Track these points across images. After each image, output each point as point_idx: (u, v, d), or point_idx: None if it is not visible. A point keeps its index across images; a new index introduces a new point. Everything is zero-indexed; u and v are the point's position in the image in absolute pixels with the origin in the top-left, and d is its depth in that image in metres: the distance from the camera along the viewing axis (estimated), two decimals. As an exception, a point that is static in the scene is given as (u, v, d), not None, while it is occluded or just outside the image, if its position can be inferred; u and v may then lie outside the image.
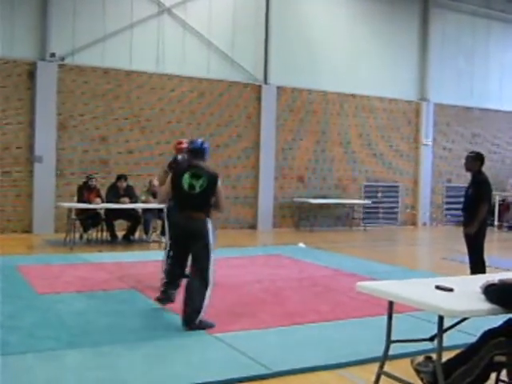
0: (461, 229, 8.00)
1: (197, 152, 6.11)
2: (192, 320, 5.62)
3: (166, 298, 6.28)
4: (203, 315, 5.68)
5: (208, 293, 5.80)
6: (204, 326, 5.65)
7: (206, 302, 5.72)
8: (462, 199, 8.10)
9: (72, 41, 13.33)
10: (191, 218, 5.91)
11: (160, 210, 12.01)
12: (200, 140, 6.31)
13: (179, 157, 7.60)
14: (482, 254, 7.61)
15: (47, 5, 12.97)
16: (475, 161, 7.57)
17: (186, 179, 5.93)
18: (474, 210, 7.40)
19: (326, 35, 16.29)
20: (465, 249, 7.85)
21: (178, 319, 5.98)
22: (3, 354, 4.67)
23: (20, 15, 12.85)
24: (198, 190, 5.90)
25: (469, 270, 7.57)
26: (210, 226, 5.97)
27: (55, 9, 13.05)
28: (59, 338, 5.19)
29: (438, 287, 3.82)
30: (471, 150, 18.73)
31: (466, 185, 7.94)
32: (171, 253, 6.35)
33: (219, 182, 6.04)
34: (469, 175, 7.86)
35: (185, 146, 7.41)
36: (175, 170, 6.32)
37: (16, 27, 12.82)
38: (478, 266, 7.42)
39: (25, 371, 4.39)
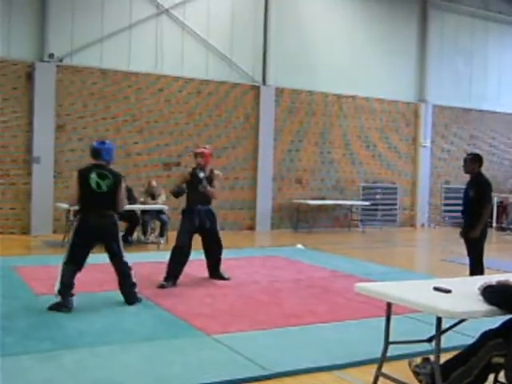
0: (458, 230, 7.90)
1: (96, 152, 6.43)
2: (134, 295, 6.52)
3: (65, 304, 6.13)
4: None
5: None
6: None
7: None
8: (460, 201, 8.00)
9: (70, 42, 13.32)
10: (102, 216, 6.33)
11: (159, 212, 12.09)
12: (102, 141, 6.69)
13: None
14: (482, 256, 7.53)
15: (45, 6, 12.95)
16: (474, 162, 7.44)
17: (92, 179, 6.28)
18: (476, 212, 7.25)
19: (324, 36, 16.29)
20: (463, 251, 7.82)
21: (175, 320, 5.98)
22: (-1, 355, 4.66)
23: (18, 16, 12.83)
24: (105, 189, 6.29)
25: (467, 272, 7.55)
26: (117, 220, 6.48)
27: (54, 10, 13.04)
28: (55, 339, 5.17)
29: (436, 288, 3.82)
30: (469, 151, 18.85)
31: (464, 186, 7.84)
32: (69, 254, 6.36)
33: (123, 183, 6.51)
34: (466, 177, 7.79)
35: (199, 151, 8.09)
36: (80, 170, 6.49)
37: (14, 28, 12.80)
38: (477, 268, 7.32)
39: (21, 372, 4.37)
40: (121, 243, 6.53)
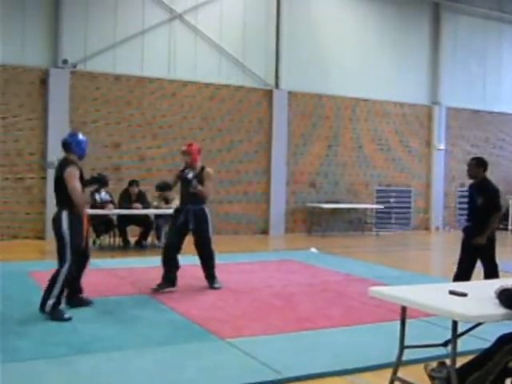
0: (462, 237, 7.70)
1: (65, 145, 6.32)
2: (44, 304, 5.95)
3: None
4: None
5: (60, 283, 5.94)
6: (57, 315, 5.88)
7: (61, 289, 5.97)
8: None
9: (84, 47, 13.41)
10: (56, 212, 6.14)
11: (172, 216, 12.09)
12: (73, 133, 6.66)
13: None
14: (495, 260, 7.26)
15: (59, 12, 13.06)
16: (478, 167, 7.14)
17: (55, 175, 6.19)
18: (485, 220, 6.98)
19: (337, 40, 16.28)
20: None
21: (189, 324, 5.98)
22: (15, 360, 4.69)
23: (32, 22, 12.94)
24: (54, 183, 6.15)
25: (482, 276, 7.48)
26: (65, 217, 6.00)
27: (67, 15, 13.14)
28: (71, 344, 5.19)
29: (451, 292, 3.79)
30: (484, 153, 18.72)
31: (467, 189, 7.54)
32: None
33: (67, 172, 5.97)
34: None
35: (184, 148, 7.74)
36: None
37: (28, 34, 12.91)
38: (493, 272, 7.06)
39: (36, 377, 4.39)
40: (65, 243, 5.97)
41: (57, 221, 6.04)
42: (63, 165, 6.09)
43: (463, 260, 7.31)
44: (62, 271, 5.96)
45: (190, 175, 7.40)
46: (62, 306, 6.04)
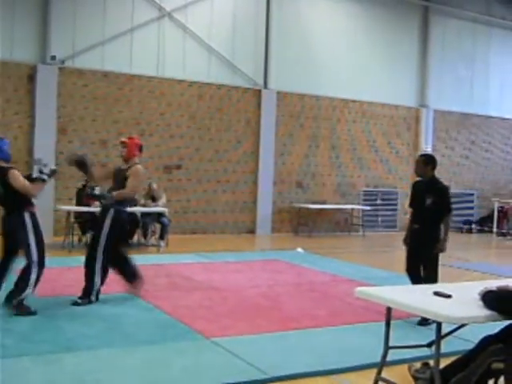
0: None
1: None
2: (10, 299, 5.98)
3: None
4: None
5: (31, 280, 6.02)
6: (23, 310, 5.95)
7: (27, 291, 6.00)
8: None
9: (72, 44, 13.34)
10: (8, 214, 6.15)
11: (159, 214, 12.10)
12: None
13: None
14: (437, 266, 6.82)
15: (48, 8, 12.98)
16: (426, 165, 6.71)
17: None
18: (435, 222, 6.51)
19: (326, 40, 16.31)
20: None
21: (175, 323, 5.97)
22: (0, 356, 4.66)
23: (20, 18, 12.86)
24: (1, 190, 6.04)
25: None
26: (23, 219, 6.11)
27: (56, 12, 13.06)
28: (56, 342, 5.17)
29: (436, 293, 3.82)
30: (471, 156, 18.89)
31: (411, 189, 7.24)
32: None
33: (10, 174, 6.07)
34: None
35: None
36: None
37: (16, 30, 12.82)
38: (433, 277, 6.49)
39: (21, 374, 4.38)
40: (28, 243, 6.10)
41: (16, 223, 6.11)
42: (1, 172, 6.08)
43: (413, 266, 6.77)
44: (33, 270, 6.08)
45: (97, 192, 6.96)
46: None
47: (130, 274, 7.07)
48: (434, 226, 6.54)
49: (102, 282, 6.76)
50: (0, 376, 4.23)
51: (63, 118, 13.23)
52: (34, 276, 6.05)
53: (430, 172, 6.74)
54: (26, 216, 6.11)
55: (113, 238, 6.71)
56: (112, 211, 6.72)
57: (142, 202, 12.10)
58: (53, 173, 6.47)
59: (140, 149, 7.10)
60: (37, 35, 13.02)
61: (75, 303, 6.51)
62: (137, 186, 6.98)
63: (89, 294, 6.63)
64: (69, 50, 13.29)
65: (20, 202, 6.11)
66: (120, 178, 6.86)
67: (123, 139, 7.15)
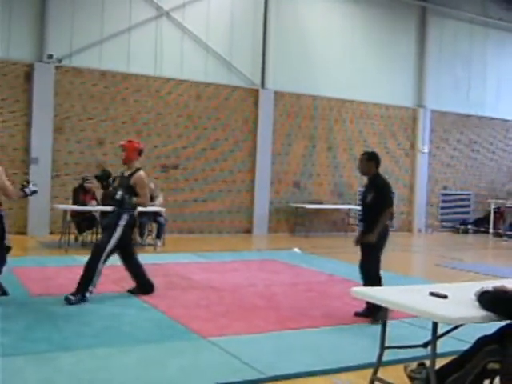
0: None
1: None
2: None
3: None
4: None
5: None
6: None
7: None
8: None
9: (70, 43, 13.33)
10: None
11: (156, 214, 12.09)
12: None
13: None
14: (378, 267, 6.60)
15: (45, 6, 12.96)
16: (369, 162, 6.60)
17: None
18: (375, 217, 6.36)
19: (324, 41, 16.33)
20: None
21: (172, 323, 5.98)
22: (-4, 355, 4.66)
23: (18, 16, 12.84)
24: None
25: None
26: None
27: (53, 11, 13.05)
28: (52, 341, 5.17)
29: (432, 294, 3.83)
30: (468, 157, 18.92)
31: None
32: None
33: None
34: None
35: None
36: None
37: (14, 28, 12.80)
38: (373, 281, 6.29)
39: (17, 373, 4.37)
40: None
41: None
42: None
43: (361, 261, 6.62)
44: None
45: (118, 196, 6.90)
46: None
47: (144, 278, 7.22)
48: (375, 221, 6.38)
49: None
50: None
51: (60, 117, 13.22)
52: None
53: (373, 169, 6.60)
54: None
55: (123, 241, 6.87)
56: (126, 216, 6.85)
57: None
58: (33, 193, 6.83)
59: (140, 153, 7.07)
60: (34, 34, 13.00)
61: (67, 299, 6.50)
62: (146, 193, 7.09)
63: (83, 292, 6.63)
64: (66, 48, 13.28)
65: None
66: (125, 185, 6.92)
67: (122, 142, 7.10)
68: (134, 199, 6.92)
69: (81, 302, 6.55)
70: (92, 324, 5.80)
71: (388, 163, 17.60)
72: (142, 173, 6.93)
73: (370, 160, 6.62)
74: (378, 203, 6.41)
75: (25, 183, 6.67)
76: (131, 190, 6.88)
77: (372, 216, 6.42)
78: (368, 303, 6.05)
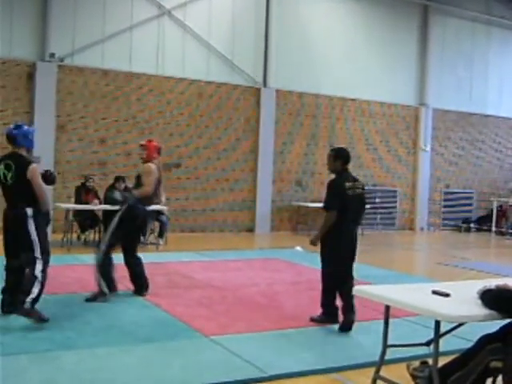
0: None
1: (10, 138, 5.80)
2: (20, 302, 5.48)
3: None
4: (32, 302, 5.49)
5: (37, 283, 5.52)
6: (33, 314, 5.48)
7: (36, 290, 5.51)
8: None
9: (72, 42, 13.33)
10: (10, 211, 5.71)
11: (158, 212, 12.07)
12: (17, 124, 5.96)
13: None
14: (332, 282, 6.00)
15: (47, 5, 12.97)
16: (335, 160, 6.26)
17: (1, 170, 5.73)
18: (336, 223, 5.87)
19: (325, 39, 16.31)
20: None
21: (174, 322, 5.97)
22: (-4, 354, 4.66)
23: (20, 16, 12.85)
24: (9, 182, 5.66)
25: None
26: (29, 216, 5.61)
27: (55, 9, 13.05)
28: (54, 340, 5.16)
29: (434, 292, 3.82)
30: (470, 155, 18.89)
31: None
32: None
33: (30, 171, 5.62)
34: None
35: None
36: None
37: (16, 27, 12.81)
38: (325, 295, 6.05)
39: (19, 372, 4.37)
40: (32, 241, 5.63)
41: (19, 220, 5.63)
42: (20, 161, 5.70)
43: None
44: (36, 273, 5.57)
45: (118, 195, 7.16)
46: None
47: (141, 279, 7.16)
48: (334, 227, 5.85)
49: (106, 275, 6.74)
50: (-2, 374, 4.24)
51: (62, 116, 13.22)
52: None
53: (340, 167, 6.23)
54: (30, 212, 5.66)
55: (120, 234, 6.78)
56: (124, 208, 6.86)
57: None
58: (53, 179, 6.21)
59: (159, 151, 7.26)
60: (36, 33, 13.01)
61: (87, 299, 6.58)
62: (150, 183, 6.95)
63: (99, 287, 6.66)
64: (68, 47, 13.28)
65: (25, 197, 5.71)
66: (136, 178, 7.11)
67: (143, 142, 7.27)
68: (135, 192, 6.92)
69: (102, 297, 6.59)
70: (94, 323, 5.79)
71: (390, 162, 17.61)
72: (150, 164, 7.03)
73: (336, 157, 6.28)
74: (325, 204, 6.07)
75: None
76: (138, 181, 6.99)
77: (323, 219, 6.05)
78: (324, 308, 6.09)
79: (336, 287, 5.99)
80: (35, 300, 5.50)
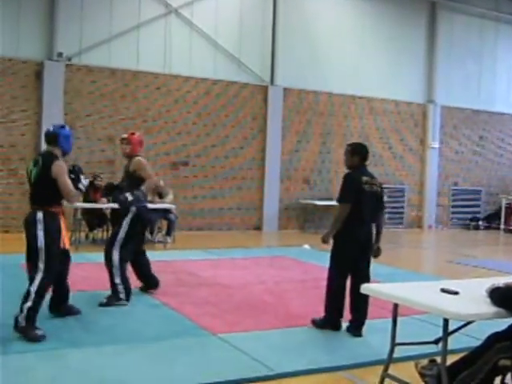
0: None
1: (50, 137, 5.46)
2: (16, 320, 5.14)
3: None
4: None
5: (29, 300, 5.13)
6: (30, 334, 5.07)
7: (26, 307, 5.10)
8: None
9: (79, 41, 13.36)
10: (30, 212, 5.47)
11: (166, 211, 12.10)
12: (59, 124, 5.82)
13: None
14: (338, 283, 5.80)
15: (54, 5, 12.99)
16: (353, 155, 5.94)
17: (28, 168, 5.51)
18: (348, 219, 5.67)
19: (333, 37, 16.26)
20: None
21: (181, 320, 5.98)
22: (4, 352, 4.67)
23: (27, 15, 12.88)
24: (33, 179, 5.40)
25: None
26: (40, 217, 5.31)
27: (62, 9, 13.07)
28: (61, 338, 5.18)
29: (443, 290, 3.81)
30: (479, 153, 18.80)
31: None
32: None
33: (56, 165, 5.28)
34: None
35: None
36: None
37: (23, 27, 12.85)
38: (330, 297, 5.82)
39: (26, 370, 4.38)
40: (41, 244, 5.33)
41: (31, 220, 5.40)
42: (49, 159, 5.35)
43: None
44: (35, 282, 5.24)
45: (130, 197, 6.73)
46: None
47: (149, 276, 7.16)
48: (349, 224, 5.66)
49: (125, 279, 6.64)
50: (5, 372, 4.25)
51: (70, 115, 13.25)
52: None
53: (357, 163, 5.92)
54: (40, 215, 5.37)
55: (132, 235, 6.72)
56: (134, 209, 6.69)
57: (149, 198, 12.09)
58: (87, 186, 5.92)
59: (141, 144, 7.08)
60: (43, 32, 13.04)
61: (101, 304, 6.43)
62: (152, 173, 6.87)
63: (115, 293, 6.54)
64: (76, 46, 13.31)
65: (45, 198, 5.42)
66: (128, 175, 6.90)
67: (125, 136, 7.02)
68: (138, 193, 6.71)
69: (118, 302, 6.45)
70: (100, 321, 5.81)
71: (398, 159, 17.55)
72: (139, 157, 6.86)
73: (354, 153, 5.94)
74: (338, 197, 5.82)
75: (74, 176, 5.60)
76: (133, 178, 6.79)
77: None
78: (326, 312, 5.78)
79: (343, 289, 5.77)
80: (29, 317, 5.09)
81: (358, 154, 5.95)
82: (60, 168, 5.30)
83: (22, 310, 5.10)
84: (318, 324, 5.83)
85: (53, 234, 5.36)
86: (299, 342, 5.37)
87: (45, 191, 5.35)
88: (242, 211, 15.26)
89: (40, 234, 5.30)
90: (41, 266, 5.26)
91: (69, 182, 5.36)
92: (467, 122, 18.63)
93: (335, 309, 5.76)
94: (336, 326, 5.74)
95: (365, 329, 5.72)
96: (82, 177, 5.64)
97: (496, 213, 18.45)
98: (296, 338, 5.50)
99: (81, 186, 5.60)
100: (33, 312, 5.12)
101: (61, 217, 5.51)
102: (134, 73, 13.88)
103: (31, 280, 5.27)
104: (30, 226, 5.41)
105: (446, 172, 18.32)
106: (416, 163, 17.89)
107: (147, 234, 12.11)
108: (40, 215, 5.32)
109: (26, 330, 5.06)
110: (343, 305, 5.76)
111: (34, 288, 5.18)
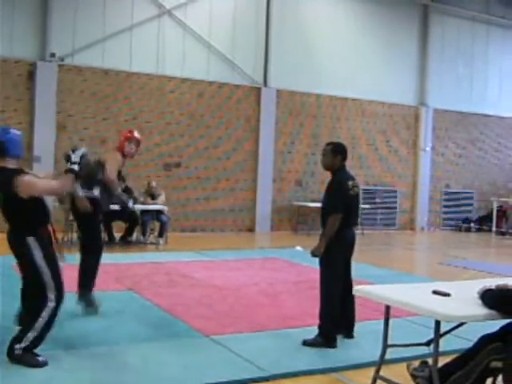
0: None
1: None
2: (11, 348, 4.50)
3: None
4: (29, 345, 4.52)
5: (42, 319, 4.51)
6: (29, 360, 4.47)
7: (39, 328, 4.51)
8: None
9: (72, 41, 13.34)
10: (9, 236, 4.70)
11: (158, 212, 12.09)
12: (3, 128, 4.77)
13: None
14: (336, 289, 5.44)
15: (47, 5, 12.98)
16: (335, 155, 5.63)
17: None
18: (339, 229, 5.33)
19: (326, 39, 16.30)
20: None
21: (174, 321, 5.98)
22: (1, 352, 4.64)
23: (20, 15, 12.85)
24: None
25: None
26: (30, 242, 4.56)
27: (55, 9, 13.06)
28: (55, 340, 5.15)
29: (434, 292, 3.83)
30: (471, 155, 18.88)
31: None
32: None
33: (19, 181, 4.34)
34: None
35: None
36: None
37: (16, 27, 12.82)
38: (327, 309, 5.38)
39: (20, 372, 4.37)
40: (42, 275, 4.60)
41: (19, 246, 4.67)
42: (8, 178, 4.39)
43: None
44: (46, 311, 4.56)
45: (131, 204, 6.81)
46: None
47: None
48: (338, 231, 5.31)
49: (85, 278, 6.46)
50: (5, 372, 4.24)
51: (62, 115, 13.23)
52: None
53: (338, 164, 5.64)
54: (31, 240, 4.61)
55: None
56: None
57: (141, 199, 12.10)
58: (81, 158, 4.86)
59: (125, 140, 7.01)
60: (36, 32, 13.01)
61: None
62: (112, 170, 6.65)
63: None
64: (68, 47, 13.29)
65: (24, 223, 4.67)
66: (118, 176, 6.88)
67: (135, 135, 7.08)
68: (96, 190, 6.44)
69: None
70: (94, 322, 5.80)
71: (390, 161, 17.61)
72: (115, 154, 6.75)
73: (336, 152, 5.62)
74: (328, 205, 5.51)
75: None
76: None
77: (323, 222, 5.45)
78: (320, 328, 5.33)
79: (340, 294, 5.43)
80: (33, 347, 4.53)
81: (340, 153, 5.66)
82: (28, 183, 4.42)
83: (21, 340, 4.49)
84: (312, 344, 5.30)
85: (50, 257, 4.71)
86: (292, 343, 5.38)
87: (14, 216, 4.60)
88: (235, 213, 15.27)
89: (33, 252, 4.60)
90: (51, 296, 4.56)
91: (43, 184, 4.60)
92: (459, 125, 18.71)
93: (332, 316, 5.35)
94: (333, 345, 5.28)
95: (357, 330, 5.73)
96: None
97: (487, 215, 18.53)
98: (289, 339, 5.50)
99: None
100: (39, 341, 4.54)
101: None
102: (126, 74, 13.87)
103: (36, 310, 4.56)
104: (17, 247, 4.74)
105: (438, 174, 18.39)
106: (408, 165, 17.95)
107: (139, 235, 12.15)
108: (31, 241, 4.57)
109: (26, 358, 4.47)
110: (339, 312, 5.42)
111: (43, 318, 4.51)
